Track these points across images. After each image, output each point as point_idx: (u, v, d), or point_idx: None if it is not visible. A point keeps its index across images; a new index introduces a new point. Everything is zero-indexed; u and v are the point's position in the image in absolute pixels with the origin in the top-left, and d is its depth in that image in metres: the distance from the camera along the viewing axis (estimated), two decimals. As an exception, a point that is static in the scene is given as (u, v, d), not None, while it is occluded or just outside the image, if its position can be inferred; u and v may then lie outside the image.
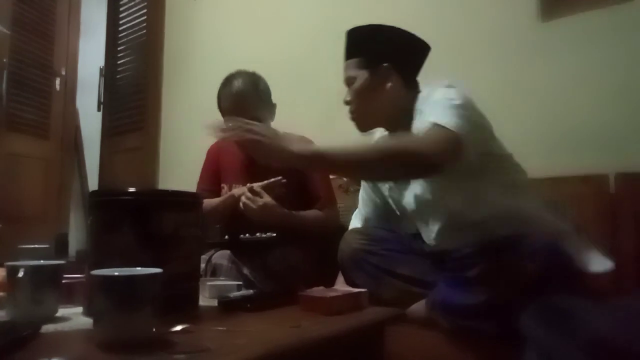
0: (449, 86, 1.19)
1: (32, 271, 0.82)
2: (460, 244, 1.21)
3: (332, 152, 1.07)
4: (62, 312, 0.87)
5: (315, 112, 2.22)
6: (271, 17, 2.57)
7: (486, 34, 1.80)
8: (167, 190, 0.96)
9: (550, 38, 1.65)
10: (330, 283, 1.09)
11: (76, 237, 3.51)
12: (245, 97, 1.61)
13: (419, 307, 1.22)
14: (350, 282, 1.31)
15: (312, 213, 1.65)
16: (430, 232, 1.28)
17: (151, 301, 0.69)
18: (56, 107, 3.36)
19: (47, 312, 0.83)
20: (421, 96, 1.27)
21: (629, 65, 1.49)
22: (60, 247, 3.08)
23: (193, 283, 0.96)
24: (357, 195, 1.93)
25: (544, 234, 1.09)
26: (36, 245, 1.23)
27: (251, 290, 1.16)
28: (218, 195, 1.70)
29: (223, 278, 1.34)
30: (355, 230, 1.45)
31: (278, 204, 1.49)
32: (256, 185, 1.49)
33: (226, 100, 1.62)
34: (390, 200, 1.42)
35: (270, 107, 1.69)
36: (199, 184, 1.77)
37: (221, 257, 1.47)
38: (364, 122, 1.35)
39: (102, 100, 3.60)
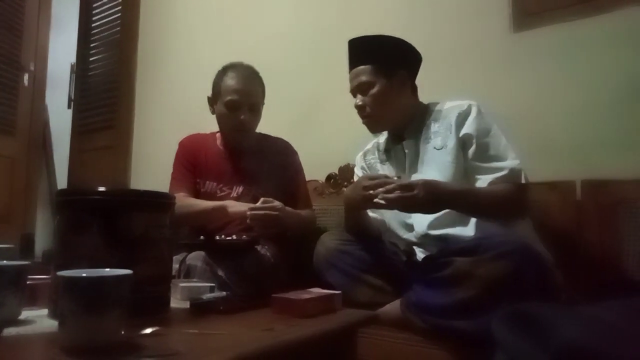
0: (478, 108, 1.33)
1: (-7, 272, 0.79)
2: (449, 235, 1.27)
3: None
4: (25, 314, 0.84)
5: (291, 112, 2.22)
6: (247, 18, 2.56)
7: (458, 44, 1.83)
8: (138, 190, 0.93)
9: (520, 49, 1.70)
10: (304, 286, 1.09)
11: (43, 237, 3.41)
12: (256, 79, 1.66)
13: (392, 308, 1.23)
14: (324, 282, 1.32)
15: (306, 212, 1.67)
16: (428, 217, 1.31)
17: (120, 303, 0.67)
18: (24, 103, 3.25)
19: (9, 315, 0.80)
20: (436, 106, 1.41)
21: (596, 75, 1.54)
22: (26, 247, 2.99)
23: (164, 285, 0.94)
24: (332, 198, 1.95)
25: (518, 235, 1.12)
26: (0, 245, 1.19)
27: (224, 292, 1.14)
28: (194, 188, 1.67)
29: (196, 279, 1.31)
30: (331, 232, 1.48)
31: (283, 205, 1.49)
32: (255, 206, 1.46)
33: (235, 80, 1.62)
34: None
35: (263, 101, 1.71)
36: (175, 175, 1.70)
37: (195, 258, 1.44)
38: (379, 125, 1.46)
39: (72, 97, 3.50)
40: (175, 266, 1.38)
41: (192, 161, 1.70)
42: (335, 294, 1.05)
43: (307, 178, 1.83)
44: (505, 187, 1.23)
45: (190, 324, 0.85)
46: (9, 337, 0.71)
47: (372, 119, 1.42)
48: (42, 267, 1.01)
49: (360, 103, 1.41)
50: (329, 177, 1.99)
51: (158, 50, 3.00)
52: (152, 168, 2.80)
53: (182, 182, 1.66)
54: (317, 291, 1.05)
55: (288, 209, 1.52)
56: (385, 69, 1.39)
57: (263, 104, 1.70)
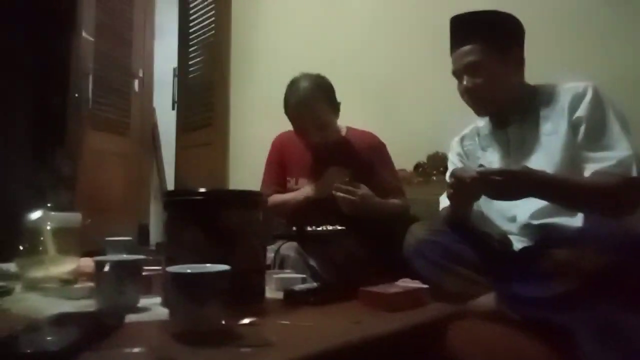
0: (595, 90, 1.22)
1: (116, 265, 0.90)
2: (553, 224, 1.20)
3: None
4: (142, 302, 0.95)
5: (375, 101, 2.21)
6: (334, 16, 2.58)
7: (558, 15, 1.69)
8: (233, 191, 1.01)
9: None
10: (393, 278, 1.10)
11: (157, 227, 3.77)
12: (310, 100, 1.65)
13: (487, 300, 1.20)
14: (414, 273, 1.31)
15: (395, 201, 1.67)
16: (532, 206, 1.25)
17: (219, 296, 0.74)
18: (135, 107, 3.60)
19: (129, 302, 0.92)
20: (547, 88, 1.31)
21: None
22: (142, 237, 3.33)
23: (259, 277, 1.01)
24: (420, 188, 1.91)
25: (629, 228, 1.03)
26: (120, 238, 1.35)
27: (315, 283, 1.19)
28: (284, 187, 1.75)
29: (289, 270, 1.39)
30: (421, 222, 1.45)
31: (373, 194, 1.54)
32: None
33: (292, 104, 1.66)
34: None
35: (335, 107, 1.71)
36: (265, 177, 1.82)
37: (289, 248, 1.52)
38: (487, 108, 1.36)
39: (176, 99, 3.81)
40: (271, 255, 1.46)
41: (281, 160, 1.79)
42: (422, 288, 1.04)
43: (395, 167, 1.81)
44: (611, 179, 1.12)
45: (283, 314, 0.90)
46: (130, 323, 0.81)
47: (482, 101, 1.33)
48: (156, 259, 1.13)
49: (469, 85, 1.31)
50: (417, 166, 1.96)
51: (251, 51, 3.14)
52: (248, 163, 2.95)
53: (272, 182, 1.77)
54: (405, 285, 1.06)
55: (376, 199, 1.53)
56: (497, 47, 1.29)
57: (334, 110, 1.70)
